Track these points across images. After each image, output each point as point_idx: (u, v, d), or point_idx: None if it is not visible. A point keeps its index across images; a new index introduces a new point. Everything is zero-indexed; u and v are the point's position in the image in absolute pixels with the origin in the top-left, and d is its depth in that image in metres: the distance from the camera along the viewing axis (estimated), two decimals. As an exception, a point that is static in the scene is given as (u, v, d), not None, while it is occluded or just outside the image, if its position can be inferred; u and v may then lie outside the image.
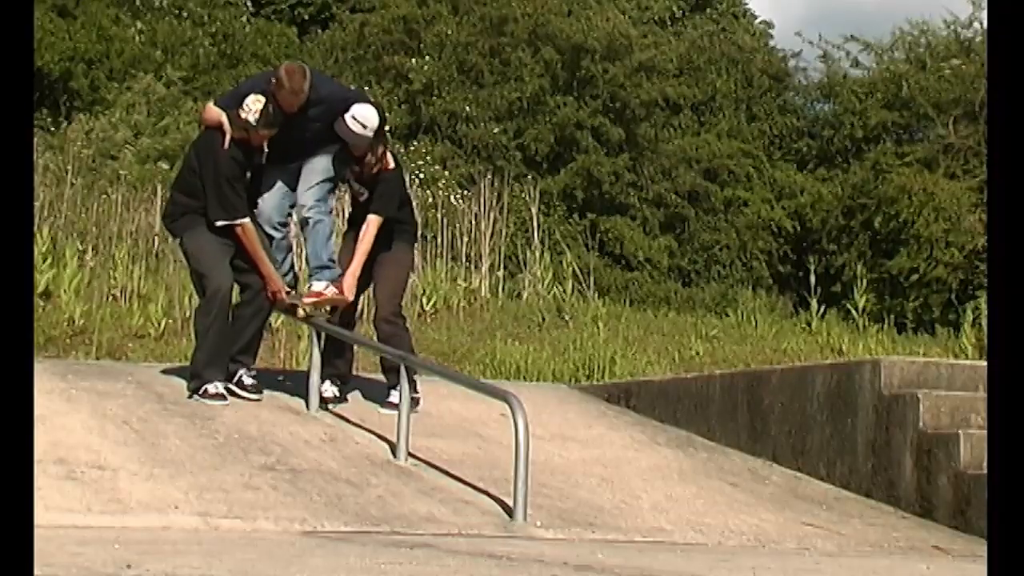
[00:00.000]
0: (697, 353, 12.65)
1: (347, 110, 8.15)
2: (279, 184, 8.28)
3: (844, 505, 7.60)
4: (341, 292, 8.17)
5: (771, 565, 5.03)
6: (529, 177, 18.04)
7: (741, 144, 19.87)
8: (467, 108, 18.88)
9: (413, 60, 19.79)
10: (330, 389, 8.35)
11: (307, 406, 8.20)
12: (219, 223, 7.93)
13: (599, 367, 11.63)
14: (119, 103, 19.04)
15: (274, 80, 8.06)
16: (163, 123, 18.70)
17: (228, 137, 8.00)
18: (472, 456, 7.59)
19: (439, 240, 14.89)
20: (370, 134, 8.13)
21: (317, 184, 8.24)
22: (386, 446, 7.50)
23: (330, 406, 8.24)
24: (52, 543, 4.55)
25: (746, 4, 24.08)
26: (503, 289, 14.95)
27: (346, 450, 7.45)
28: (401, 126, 18.94)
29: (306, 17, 24.41)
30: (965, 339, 13.96)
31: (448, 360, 11.20)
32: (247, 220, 7.99)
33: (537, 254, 15.20)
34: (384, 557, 4.71)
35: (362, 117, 8.12)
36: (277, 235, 8.31)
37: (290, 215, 8.47)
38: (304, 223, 8.27)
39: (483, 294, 14.42)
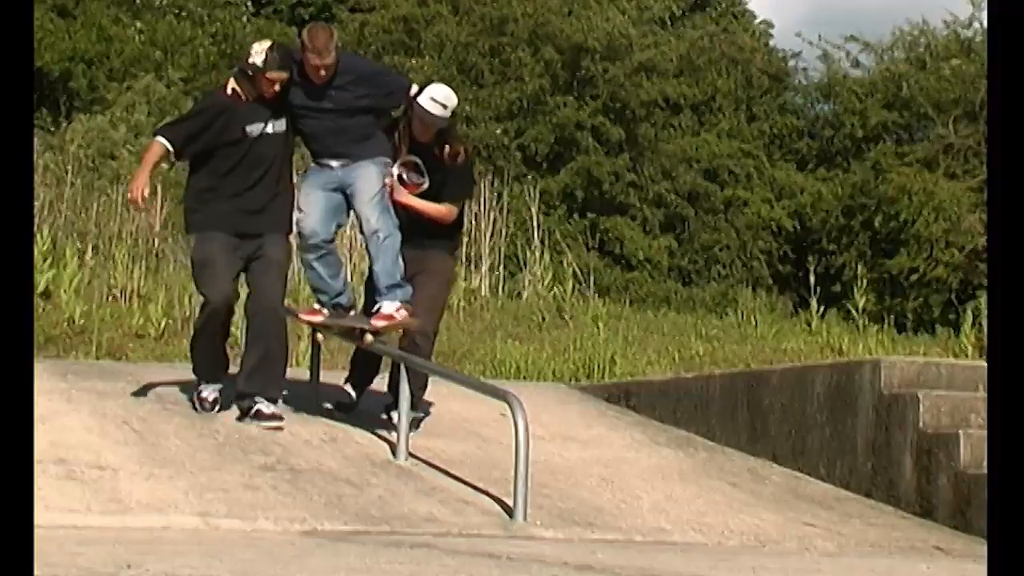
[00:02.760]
0: (697, 353, 12.64)
1: (387, 90, 7.72)
2: (323, 194, 7.65)
3: (844, 505, 7.60)
4: (413, 315, 7.53)
5: (771, 565, 5.03)
6: (529, 177, 18.04)
7: (741, 144, 19.87)
8: (467, 108, 18.88)
9: (413, 60, 19.79)
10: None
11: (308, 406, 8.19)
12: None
13: (599, 367, 11.62)
14: (119, 103, 19.03)
15: (300, 44, 7.59)
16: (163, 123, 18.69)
17: (230, 87, 7.60)
18: (472, 456, 7.59)
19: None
20: (449, 114, 7.67)
21: (378, 194, 7.57)
22: (386, 446, 7.50)
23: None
24: (52, 543, 4.55)
25: (746, 4, 24.08)
26: (503, 289, 14.95)
27: (346, 450, 7.45)
28: (401, 126, 18.91)
29: (306, 17, 24.34)
30: (965, 339, 13.96)
31: (448, 360, 11.19)
32: (162, 141, 7.61)
33: (537, 254, 15.20)
34: (384, 557, 4.71)
35: (443, 97, 7.62)
36: (322, 252, 7.64)
37: (338, 228, 7.91)
38: (371, 238, 7.55)
39: (483, 294, 14.42)
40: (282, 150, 7.72)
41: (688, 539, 6.51)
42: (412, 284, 7.60)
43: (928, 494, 7.51)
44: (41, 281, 12.11)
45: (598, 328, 12.76)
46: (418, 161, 7.68)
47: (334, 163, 7.64)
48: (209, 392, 7.78)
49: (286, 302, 8.06)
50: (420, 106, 7.55)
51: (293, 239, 7.90)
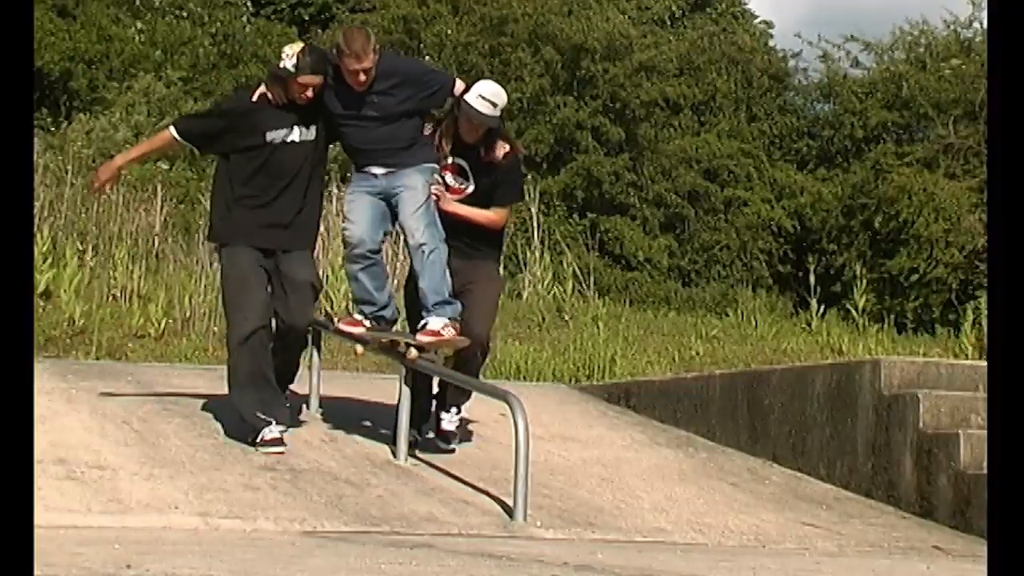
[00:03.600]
0: (697, 353, 12.64)
1: (431, 90, 7.29)
2: (368, 202, 7.24)
3: (844, 505, 7.60)
4: (460, 332, 7.12)
5: (771, 565, 5.03)
6: (529, 177, 18.03)
7: (741, 144, 19.86)
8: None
9: (413, 60, 19.79)
10: (451, 420, 7.55)
11: (307, 406, 8.20)
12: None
13: (599, 367, 11.62)
14: (119, 103, 19.03)
15: (335, 50, 7.13)
16: (163, 123, 18.64)
17: (259, 91, 7.18)
18: (472, 456, 7.59)
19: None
20: (499, 113, 7.24)
21: (423, 205, 7.15)
22: (386, 446, 7.49)
23: (449, 443, 7.56)
24: (52, 543, 4.55)
25: (746, 4, 24.08)
26: (503, 289, 14.94)
27: (346, 450, 7.45)
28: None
29: (306, 17, 24.40)
30: (965, 339, 13.96)
31: (448, 360, 11.19)
32: (172, 131, 7.29)
33: (537, 254, 15.20)
34: (384, 557, 4.71)
35: (492, 94, 7.20)
36: (369, 262, 7.25)
37: (384, 238, 7.48)
38: (416, 252, 7.14)
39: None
40: (310, 160, 7.28)
41: (688, 539, 6.51)
42: (462, 296, 7.23)
43: (928, 494, 7.51)
44: (41, 281, 12.11)
45: (598, 328, 12.75)
46: (463, 164, 7.36)
47: (378, 171, 7.25)
48: (272, 431, 7.17)
49: (321, 311, 8.05)
50: (468, 105, 7.15)
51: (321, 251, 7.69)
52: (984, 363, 8.40)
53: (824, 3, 39.73)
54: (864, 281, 15.67)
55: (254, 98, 7.18)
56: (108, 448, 6.94)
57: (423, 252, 7.11)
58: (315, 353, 8.26)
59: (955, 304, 16.20)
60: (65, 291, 12.06)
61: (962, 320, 14.60)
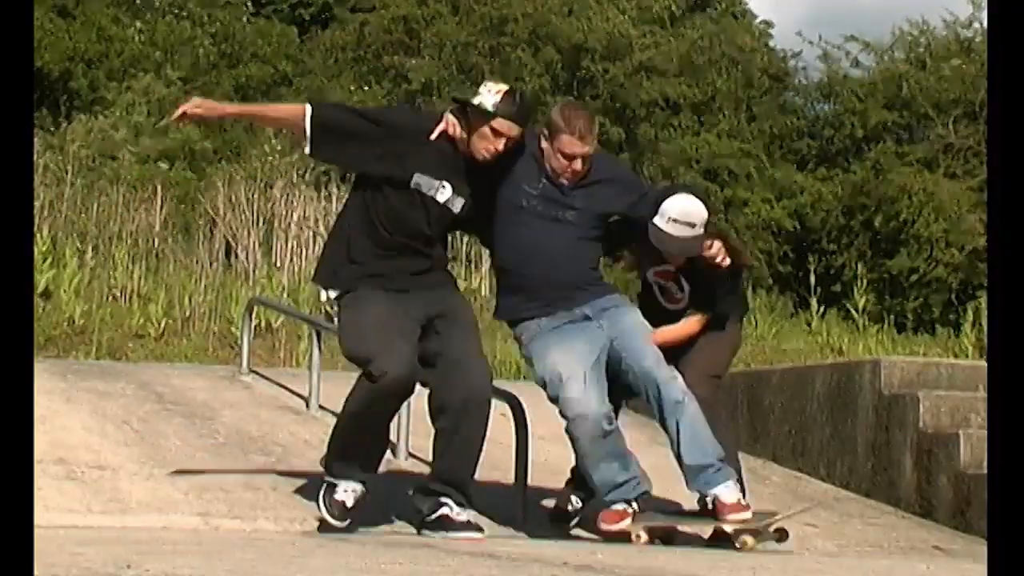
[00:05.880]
0: (697, 353, 12.62)
1: (640, 193, 5.88)
2: (582, 348, 5.69)
3: (844, 505, 7.59)
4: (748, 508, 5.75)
5: (771, 565, 5.02)
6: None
7: (741, 144, 19.85)
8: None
9: (413, 60, 19.79)
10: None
11: (307, 406, 8.20)
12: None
13: (599, 367, 11.60)
14: (119, 103, 19.03)
15: (544, 130, 5.70)
16: (163, 123, 18.69)
17: (442, 126, 5.64)
18: (472, 456, 7.58)
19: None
20: (701, 231, 5.69)
21: (652, 343, 5.80)
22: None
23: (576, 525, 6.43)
24: (52, 543, 4.55)
25: (746, 4, 24.06)
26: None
27: (346, 450, 7.44)
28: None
29: (306, 17, 24.40)
30: (965, 339, 13.97)
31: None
32: (308, 110, 5.64)
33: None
34: (384, 557, 4.71)
35: (682, 214, 5.64)
36: (613, 430, 5.81)
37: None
38: (671, 407, 5.71)
39: (483, 294, 14.41)
40: (441, 233, 5.85)
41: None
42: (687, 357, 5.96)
43: (928, 494, 7.51)
44: (41, 281, 12.13)
45: (598, 328, 12.73)
46: (673, 270, 6.03)
47: (580, 303, 5.74)
48: (347, 493, 5.89)
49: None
50: (659, 230, 5.69)
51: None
52: (984, 363, 8.41)
53: (824, 3, 39.72)
54: (864, 281, 15.68)
55: (434, 135, 5.65)
56: (108, 448, 6.94)
57: (682, 406, 5.69)
58: (315, 353, 8.26)
59: (955, 304, 16.21)
60: (65, 291, 12.07)
61: (962, 320, 14.61)
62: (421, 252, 5.74)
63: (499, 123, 5.54)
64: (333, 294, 5.76)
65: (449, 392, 5.67)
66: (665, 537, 6.06)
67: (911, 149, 18.32)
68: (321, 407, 8.23)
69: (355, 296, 5.66)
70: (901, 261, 17.10)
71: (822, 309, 15.13)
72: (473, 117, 5.56)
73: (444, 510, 5.82)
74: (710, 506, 5.75)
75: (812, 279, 15.57)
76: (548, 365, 5.76)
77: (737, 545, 5.69)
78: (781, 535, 6.00)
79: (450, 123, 5.63)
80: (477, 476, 7.12)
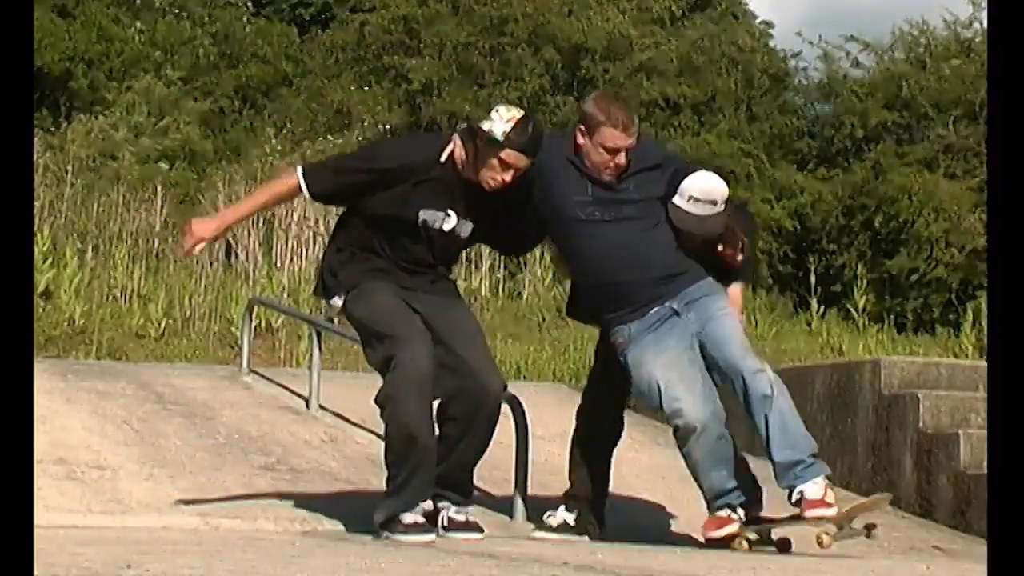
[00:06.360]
0: (697, 353, 12.62)
1: (674, 166, 5.71)
2: (683, 358, 5.51)
3: (844, 505, 7.58)
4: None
5: (771, 565, 5.02)
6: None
7: (741, 144, 19.85)
8: (467, 108, 18.88)
9: (413, 60, 19.79)
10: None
11: (307, 406, 8.20)
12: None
13: (599, 367, 11.60)
14: (119, 103, 19.04)
15: (580, 125, 5.55)
16: (163, 123, 18.71)
17: (449, 149, 5.47)
18: (472, 456, 7.58)
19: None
20: (722, 207, 5.56)
21: (739, 328, 5.63)
22: (386, 446, 7.49)
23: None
24: (52, 543, 4.55)
25: (746, 4, 24.06)
26: (503, 289, 14.94)
27: (346, 450, 7.45)
28: (401, 126, 18.92)
29: (306, 17, 24.40)
30: (965, 339, 13.97)
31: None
32: (303, 182, 5.49)
33: (537, 254, 15.19)
34: (384, 557, 4.71)
35: (703, 193, 5.51)
36: (723, 435, 5.60)
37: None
38: (759, 401, 5.47)
39: (483, 294, 14.42)
40: (448, 257, 5.78)
41: (688, 539, 6.50)
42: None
43: (928, 494, 7.51)
44: (41, 281, 12.13)
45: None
46: None
47: (669, 298, 5.51)
48: (413, 514, 5.57)
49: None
50: (679, 210, 5.55)
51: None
52: (984, 363, 8.41)
53: (824, 3, 39.72)
54: (864, 281, 15.68)
55: (443, 157, 5.47)
56: (108, 448, 6.95)
57: (768, 398, 5.46)
58: (315, 353, 8.26)
59: (955, 304, 16.21)
60: (65, 291, 12.08)
61: (962, 320, 14.61)
62: (426, 273, 5.64)
63: (507, 154, 5.34)
64: (338, 301, 5.61)
65: (462, 403, 5.54)
66: (780, 544, 5.85)
67: (911, 149, 18.32)
68: (321, 407, 8.23)
69: (360, 290, 5.52)
70: (901, 261, 17.10)
71: (822, 309, 15.13)
72: (481, 143, 5.36)
73: (444, 511, 5.76)
74: (794, 499, 5.52)
75: (812, 279, 15.57)
76: (644, 375, 5.58)
77: (817, 542, 5.49)
78: (869, 530, 5.77)
79: (457, 145, 5.46)
80: (477, 476, 7.14)
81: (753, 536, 5.72)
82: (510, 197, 5.47)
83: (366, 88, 20.47)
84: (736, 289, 5.80)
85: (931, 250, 16.90)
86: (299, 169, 5.59)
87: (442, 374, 5.46)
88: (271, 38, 22.40)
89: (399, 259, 5.55)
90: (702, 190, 5.50)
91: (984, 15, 18.03)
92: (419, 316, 5.52)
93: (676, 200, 5.53)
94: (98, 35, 20.55)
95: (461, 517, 5.77)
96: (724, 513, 5.74)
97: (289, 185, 5.58)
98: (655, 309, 5.55)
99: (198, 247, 5.55)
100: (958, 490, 7.33)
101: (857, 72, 19.84)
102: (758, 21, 23.97)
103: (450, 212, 5.50)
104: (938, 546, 6.85)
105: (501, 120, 5.35)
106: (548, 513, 6.13)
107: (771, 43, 22.47)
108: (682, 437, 5.58)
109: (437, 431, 5.60)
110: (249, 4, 23.96)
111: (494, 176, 5.37)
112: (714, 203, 5.51)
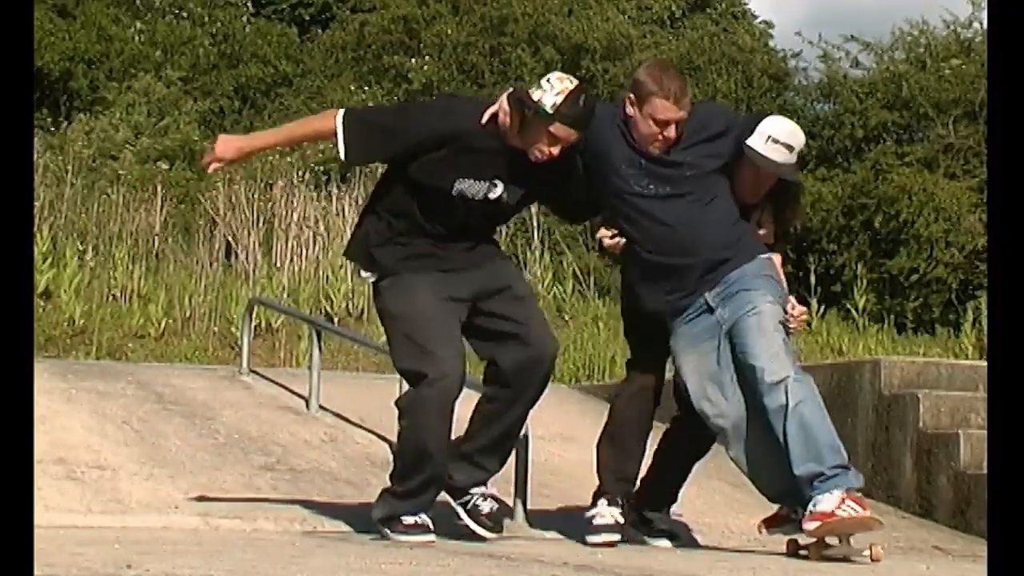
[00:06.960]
0: (697, 353, 12.62)
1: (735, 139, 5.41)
2: (708, 356, 5.37)
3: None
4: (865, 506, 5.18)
5: (771, 565, 5.02)
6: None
7: (741, 144, 19.87)
8: (467, 108, 18.87)
9: (413, 60, 19.78)
10: None
11: (307, 406, 8.20)
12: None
13: (599, 367, 11.62)
14: (119, 103, 19.04)
15: (630, 94, 5.32)
16: (163, 123, 18.70)
17: (489, 113, 5.23)
18: (472, 456, 7.58)
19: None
20: (795, 159, 5.48)
21: (784, 339, 5.35)
22: (386, 446, 7.48)
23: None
24: (52, 543, 4.55)
25: (746, 4, 24.07)
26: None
27: (346, 450, 7.45)
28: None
29: (306, 17, 24.39)
30: (965, 339, 13.96)
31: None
32: (340, 129, 5.26)
33: (537, 254, 15.20)
34: (384, 557, 4.71)
35: (783, 133, 5.36)
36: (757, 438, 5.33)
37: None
38: (778, 412, 5.14)
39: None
40: (491, 224, 5.59)
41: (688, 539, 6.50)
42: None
43: (928, 494, 7.51)
44: (41, 281, 12.13)
45: (598, 328, 12.75)
46: None
47: (708, 287, 5.34)
48: (414, 515, 5.51)
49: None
50: (755, 152, 5.31)
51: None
52: (984, 363, 8.41)
53: (824, 3, 39.73)
54: (864, 281, 15.68)
55: (484, 118, 5.23)
56: (108, 448, 6.94)
57: (788, 403, 5.13)
58: (315, 353, 8.26)
59: (955, 304, 16.20)
60: (65, 291, 12.07)
61: (962, 320, 14.61)
62: (467, 239, 5.43)
63: (557, 128, 5.11)
64: (370, 277, 5.43)
65: (524, 371, 5.38)
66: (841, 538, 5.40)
67: (911, 149, 18.31)
68: (321, 407, 8.23)
69: (399, 281, 5.32)
70: (901, 261, 17.10)
71: (822, 309, 15.13)
72: (530, 114, 5.11)
73: (473, 496, 5.64)
74: (812, 508, 5.16)
75: (812, 279, 15.56)
76: (681, 376, 5.52)
77: (865, 554, 5.28)
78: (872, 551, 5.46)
79: (503, 111, 5.20)
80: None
81: (801, 540, 5.54)
82: (559, 166, 5.26)
83: (366, 88, 20.47)
84: (777, 258, 5.69)
85: (931, 250, 16.89)
86: (339, 116, 5.32)
87: (506, 344, 5.35)
88: (271, 38, 22.39)
89: (436, 228, 5.34)
90: (783, 131, 5.35)
91: (984, 15, 18.03)
92: (467, 305, 5.37)
93: (752, 140, 5.31)
94: (98, 35, 20.54)
95: (487, 507, 5.62)
96: (784, 512, 5.61)
97: (326, 127, 5.35)
98: (694, 300, 5.40)
99: (213, 166, 5.33)
100: (958, 490, 7.33)
101: (857, 72, 19.84)
102: (758, 21, 24.00)
103: (496, 181, 5.27)
104: (938, 546, 6.85)
105: (552, 91, 5.12)
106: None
107: (771, 43, 22.50)
108: (718, 439, 5.57)
109: (491, 393, 5.50)
110: (249, 4, 23.95)
111: (541, 148, 5.16)
112: (790, 149, 5.35)
